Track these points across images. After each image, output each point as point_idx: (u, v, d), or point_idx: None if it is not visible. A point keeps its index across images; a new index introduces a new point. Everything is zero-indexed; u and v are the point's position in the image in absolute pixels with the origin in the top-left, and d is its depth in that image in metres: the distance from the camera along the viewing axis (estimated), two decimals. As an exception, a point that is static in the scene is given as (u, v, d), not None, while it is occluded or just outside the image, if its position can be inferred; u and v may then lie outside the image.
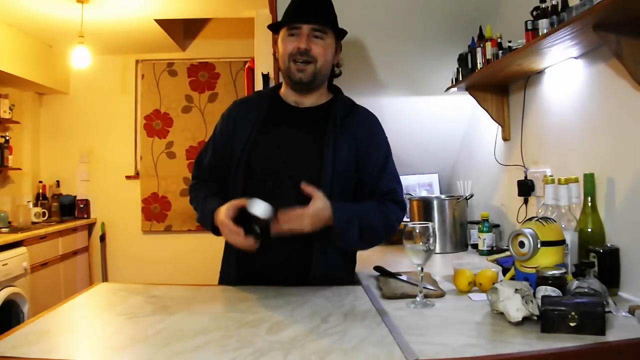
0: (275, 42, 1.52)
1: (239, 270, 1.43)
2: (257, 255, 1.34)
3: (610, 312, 1.09)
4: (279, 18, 1.65)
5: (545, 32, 1.44)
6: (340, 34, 1.47)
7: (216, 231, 1.38)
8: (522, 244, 1.23)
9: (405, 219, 2.65)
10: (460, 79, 2.12)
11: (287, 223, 1.25)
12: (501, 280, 1.33)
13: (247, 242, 1.27)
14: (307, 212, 1.25)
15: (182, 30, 4.34)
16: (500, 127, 2.17)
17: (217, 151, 1.51)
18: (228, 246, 1.46)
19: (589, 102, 1.56)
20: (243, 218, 1.26)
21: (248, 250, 1.29)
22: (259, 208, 1.22)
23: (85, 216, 4.32)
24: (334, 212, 1.29)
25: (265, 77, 2.91)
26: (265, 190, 1.36)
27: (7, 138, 3.81)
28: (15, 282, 3.04)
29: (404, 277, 1.51)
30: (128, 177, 4.41)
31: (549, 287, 1.10)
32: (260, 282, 1.39)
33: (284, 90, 1.52)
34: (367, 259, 1.87)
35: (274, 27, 1.50)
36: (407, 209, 2.74)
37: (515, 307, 1.05)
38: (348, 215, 1.32)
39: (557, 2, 1.43)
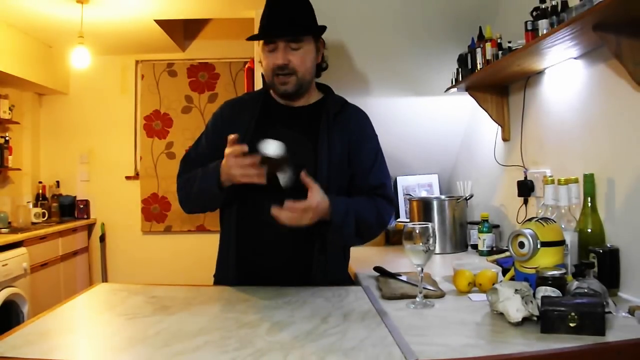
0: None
1: (238, 272, 1.41)
2: (256, 256, 1.37)
3: (610, 312, 1.09)
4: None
5: (545, 32, 1.44)
6: (320, 31, 1.43)
7: (220, 187, 1.32)
8: (522, 245, 1.23)
9: (405, 219, 2.67)
10: (460, 79, 2.12)
11: (292, 217, 1.21)
12: (501, 281, 1.33)
13: (255, 169, 1.22)
14: (312, 205, 1.22)
15: (182, 30, 4.33)
16: (500, 127, 2.17)
17: (210, 143, 1.48)
18: (225, 246, 1.45)
19: (589, 102, 1.56)
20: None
21: (257, 181, 1.23)
22: (270, 147, 1.17)
23: (85, 216, 4.32)
24: (332, 206, 1.27)
25: (266, 78, 2.90)
26: (263, 187, 1.32)
27: (7, 138, 3.81)
28: (15, 282, 3.04)
29: (403, 278, 1.51)
30: (128, 178, 4.40)
31: (548, 287, 1.10)
32: (259, 283, 1.38)
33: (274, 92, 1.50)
34: (367, 259, 1.87)
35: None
36: (407, 210, 2.75)
37: (515, 307, 1.05)
38: (345, 209, 1.31)
39: (557, 3, 1.43)
